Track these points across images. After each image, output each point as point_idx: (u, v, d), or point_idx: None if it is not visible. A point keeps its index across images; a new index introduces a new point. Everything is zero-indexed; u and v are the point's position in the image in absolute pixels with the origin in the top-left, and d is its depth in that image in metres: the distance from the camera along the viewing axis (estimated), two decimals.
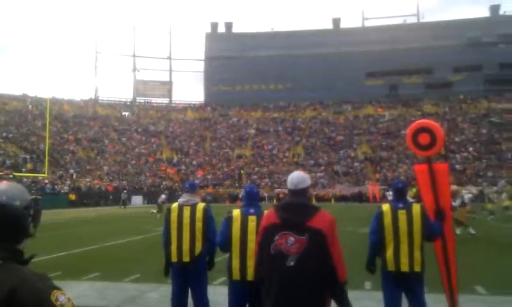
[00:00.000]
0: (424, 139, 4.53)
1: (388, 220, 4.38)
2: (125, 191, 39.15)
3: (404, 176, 44.16)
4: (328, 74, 68.83)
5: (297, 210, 2.93)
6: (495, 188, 37.56)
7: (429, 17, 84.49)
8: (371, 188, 41.84)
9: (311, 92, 67.70)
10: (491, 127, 54.79)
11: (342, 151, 54.74)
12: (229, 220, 4.10)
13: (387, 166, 49.70)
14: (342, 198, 43.71)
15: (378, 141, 55.84)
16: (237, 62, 72.12)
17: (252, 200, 4.20)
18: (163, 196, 26.84)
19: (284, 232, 2.85)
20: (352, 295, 6.87)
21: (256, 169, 52.87)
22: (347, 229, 15.37)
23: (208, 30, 77.50)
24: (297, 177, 3.08)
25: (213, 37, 76.11)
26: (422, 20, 72.51)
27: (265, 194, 42.88)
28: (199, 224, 4.67)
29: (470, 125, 56.34)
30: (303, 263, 2.77)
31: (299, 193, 3.01)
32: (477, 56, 65.04)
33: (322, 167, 51.49)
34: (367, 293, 6.60)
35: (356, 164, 51.87)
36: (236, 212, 4.14)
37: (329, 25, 74.72)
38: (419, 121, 4.82)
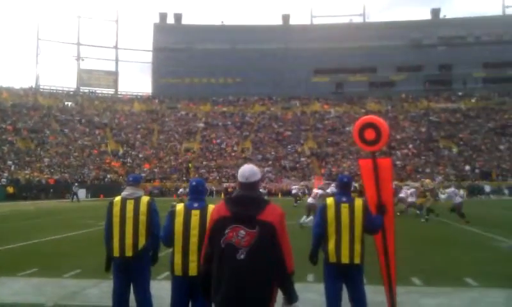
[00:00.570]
0: (369, 134, 4.60)
1: (331, 213, 4.44)
2: (76, 184, 37.71)
3: (348, 171, 45.48)
4: (277, 70, 69.62)
5: (248, 203, 2.94)
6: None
7: (374, 17, 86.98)
8: (317, 182, 42.74)
9: (260, 87, 68.19)
10: (430, 126, 57.49)
11: (289, 147, 55.53)
12: (172, 214, 4.04)
13: (332, 161, 50.96)
14: (288, 193, 44.27)
15: (324, 136, 57.11)
16: (186, 54, 71.31)
17: (197, 194, 4.12)
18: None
19: (235, 225, 2.86)
20: (295, 287, 7.04)
21: (204, 163, 52.56)
22: (291, 223, 15.62)
23: (157, 20, 76.05)
24: (248, 170, 3.08)
25: (161, 28, 74.72)
26: (367, 20, 74.81)
27: (214, 188, 42.76)
28: (143, 218, 4.56)
29: (411, 123, 58.81)
30: (254, 255, 2.80)
31: (250, 186, 3.02)
32: (418, 57, 68.12)
33: (270, 162, 52.01)
34: (310, 285, 6.69)
35: (302, 159, 52.79)
36: (180, 206, 4.09)
37: (278, 21, 75.49)
38: (365, 117, 4.89)
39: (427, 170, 46.80)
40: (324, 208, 4.54)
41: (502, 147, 51.04)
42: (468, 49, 67.61)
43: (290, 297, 2.96)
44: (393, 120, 59.21)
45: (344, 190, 4.60)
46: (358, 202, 4.47)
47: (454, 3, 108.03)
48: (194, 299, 3.96)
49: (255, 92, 68.22)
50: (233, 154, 54.50)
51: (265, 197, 3.98)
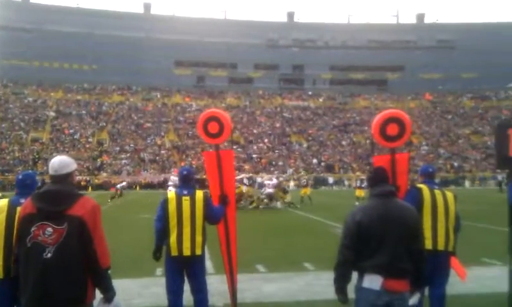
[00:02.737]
0: (213, 127, 4.86)
1: (172, 206, 4.44)
2: None
3: None
4: (137, 59, 67.59)
5: (55, 198, 2.75)
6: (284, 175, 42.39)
7: (234, 15, 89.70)
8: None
9: (118, 76, 65.48)
10: (283, 121, 61.46)
11: (149, 139, 54.45)
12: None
13: (193, 155, 51.37)
14: (147, 186, 43.52)
15: (185, 129, 57.23)
16: (35, 35, 64.90)
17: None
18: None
19: (41, 222, 2.68)
20: (142, 282, 7.09)
21: (54, 154, 48.52)
22: (144, 217, 15.38)
23: None
24: (58, 162, 2.90)
25: (8, 5, 66.65)
26: (228, 17, 76.66)
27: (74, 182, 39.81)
28: None
29: (267, 118, 62.12)
30: (62, 253, 2.65)
31: (60, 179, 2.84)
32: (274, 56, 72.12)
33: (128, 154, 50.41)
34: (158, 279, 6.61)
35: (162, 151, 52.23)
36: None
37: (140, 10, 73.22)
38: (210, 111, 5.09)
39: (280, 163, 50.02)
40: (165, 201, 4.51)
41: (344, 143, 56.88)
42: (317, 52, 73.79)
43: (107, 294, 2.84)
44: (250, 115, 62.00)
45: (185, 182, 4.61)
46: (199, 194, 4.53)
47: (306, 8, 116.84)
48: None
49: (113, 81, 65.28)
50: (87, 146, 51.51)
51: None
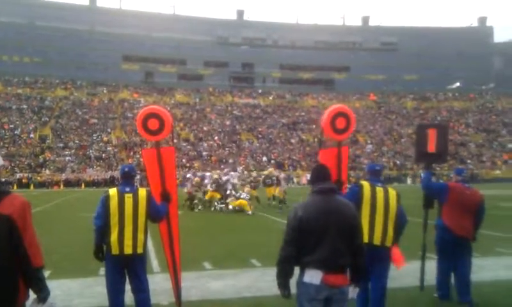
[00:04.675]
0: (153, 124, 4.83)
1: (114, 204, 4.38)
2: None
3: None
4: (82, 53, 65.43)
5: None
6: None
7: (183, 11, 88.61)
8: None
9: (62, 69, 63.14)
10: (234, 119, 61.55)
11: (95, 135, 52.83)
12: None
13: (140, 152, 50.36)
14: (93, 183, 42.25)
15: (133, 126, 55.94)
16: None
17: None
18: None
19: None
20: (85, 282, 6.95)
21: None
22: (84, 215, 15.01)
23: None
24: None
25: None
26: (177, 13, 75.75)
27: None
28: None
29: (217, 116, 61.94)
30: None
31: None
32: (224, 54, 72.03)
33: (73, 151, 48.69)
34: (101, 279, 6.51)
35: (109, 148, 50.84)
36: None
37: (85, 2, 70.79)
38: (149, 107, 5.07)
39: (230, 160, 50.05)
40: (106, 198, 4.44)
41: (293, 141, 57.75)
42: (267, 51, 74.40)
43: (40, 294, 2.78)
44: (200, 113, 61.60)
45: (126, 179, 4.58)
46: (142, 191, 4.50)
47: (256, 7, 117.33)
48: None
49: (56, 74, 62.75)
50: (29, 141, 49.27)
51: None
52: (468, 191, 5.54)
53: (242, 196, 17.33)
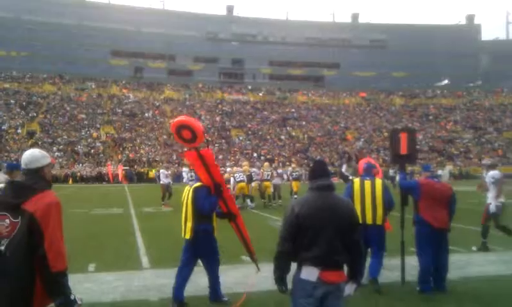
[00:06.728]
0: (186, 134, 5.20)
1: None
2: None
3: (145, 158, 45.52)
4: (70, 47, 64.78)
5: (15, 190, 2.78)
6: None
7: (173, 6, 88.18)
8: (110, 168, 41.60)
9: (50, 64, 62.52)
10: (223, 115, 61.42)
11: (83, 131, 52.39)
12: None
13: (130, 147, 50.11)
14: (81, 179, 41.93)
15: (122, 121, 55.64)
16: None
17: None
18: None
19: (2, 213, 2.71)
20: (75, 278, 6.94)
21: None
22: (77, 211, 15.10)
23: None
24: (28, 156, 2.92)
25: None
26: (166, 8, 75.32)
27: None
28: None
29: (207, 112, 61.75)
30: (13, 247, 2.62)
31: (30, 173, 2.86)
32: (214, 49, 71.83)
33: (61, 147, 48.25)
34: (90, 275, 6.60)
35: (98, 144, 50.48)
36: None
37: None
38: (180, 120, 5.37)
39: (220, 157, 49.97)
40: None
41: (283, 137, 57.81)
42: (257, 47, 74.32)
43: (58, 299, 2.68)
44: (190, 108, 61.35)
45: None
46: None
47: (245, 3, 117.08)
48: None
49: (44, 69, 62.08)
50: (16, 137, 48.71)
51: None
52: (438, 185, 6.07)
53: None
